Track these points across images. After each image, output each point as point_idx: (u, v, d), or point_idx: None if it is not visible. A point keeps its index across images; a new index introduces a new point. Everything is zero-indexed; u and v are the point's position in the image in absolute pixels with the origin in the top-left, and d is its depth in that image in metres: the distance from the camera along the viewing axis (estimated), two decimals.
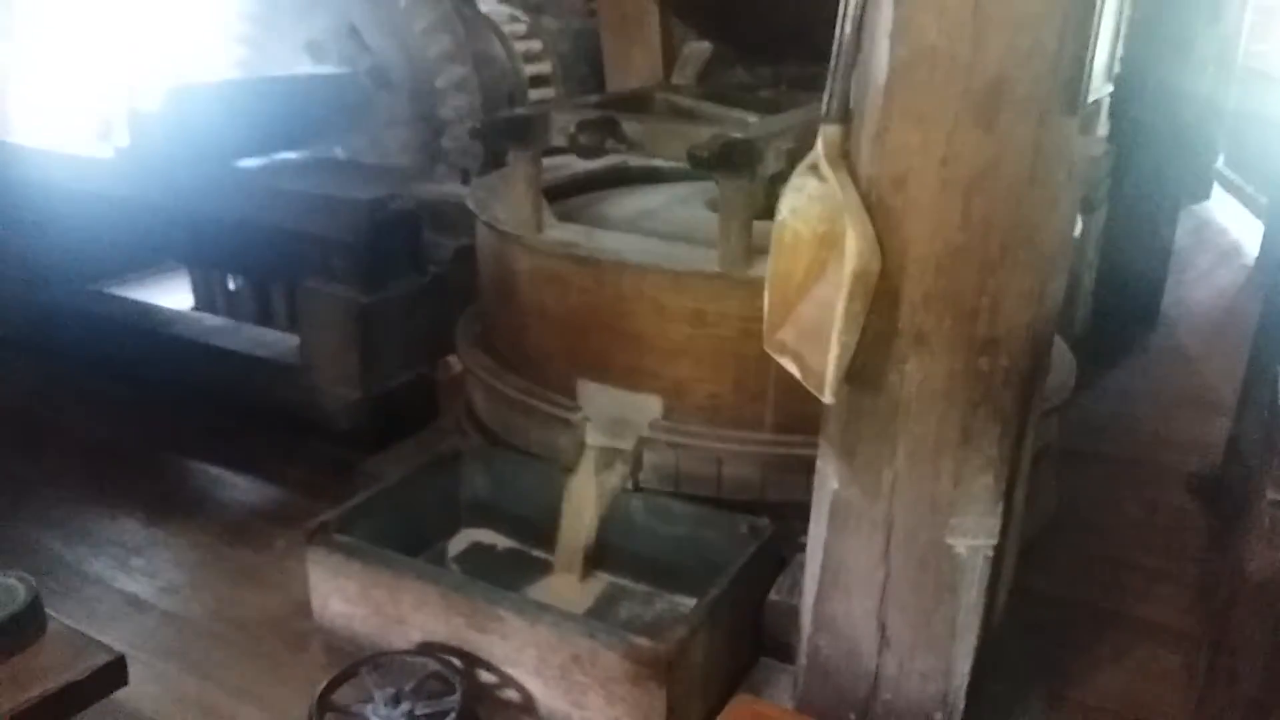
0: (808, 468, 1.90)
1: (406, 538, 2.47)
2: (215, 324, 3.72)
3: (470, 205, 2.81)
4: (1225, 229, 6.35)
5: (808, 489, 1.91)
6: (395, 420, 3.15)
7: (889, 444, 1.70)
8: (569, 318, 2.52)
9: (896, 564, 1.78)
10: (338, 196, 3.22)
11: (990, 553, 1.74)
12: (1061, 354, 2.75)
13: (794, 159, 2.05)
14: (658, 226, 2.75)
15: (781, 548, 2.35)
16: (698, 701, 2.10)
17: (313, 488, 3.05)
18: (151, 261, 4.35)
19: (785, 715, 2.02)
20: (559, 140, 2.55)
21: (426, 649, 2.20)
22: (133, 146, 3.69)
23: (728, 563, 2.22)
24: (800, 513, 1.98)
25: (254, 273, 3.67)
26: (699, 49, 3.37)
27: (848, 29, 1.56)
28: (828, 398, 1.63)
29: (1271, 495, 1.81)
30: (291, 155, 4.10)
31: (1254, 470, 2.19)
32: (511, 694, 2.15)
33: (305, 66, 4.48)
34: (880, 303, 1.60)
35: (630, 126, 2.53)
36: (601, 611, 2.44)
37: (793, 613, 2.09)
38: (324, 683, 2.04)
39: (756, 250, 2.24)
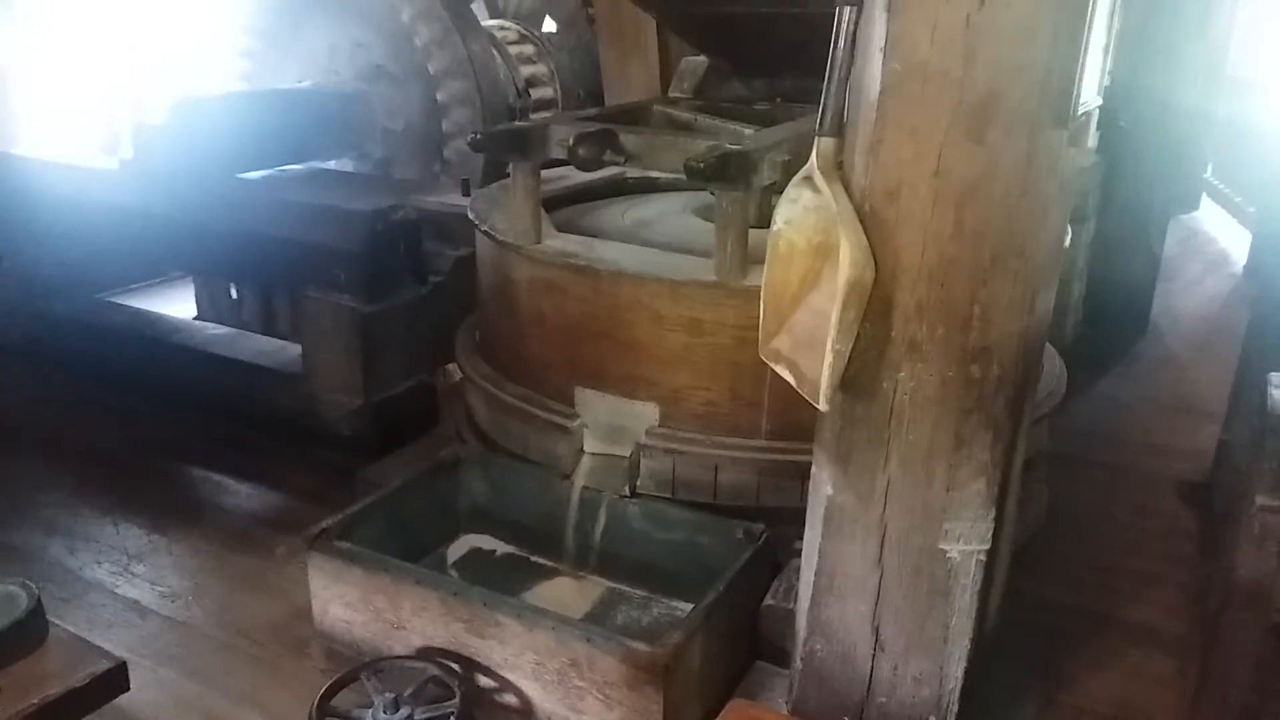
0: (803, 474, 1.93)
1: (406, 544, 2.49)
2: (218, 333, 3.73)
3: (470, 216, 2.84)
4: (1214, 238, 6.41)
5: (803, 495, 1.93)
6: (396, 428, 3.17)
7: (882, 450, 1.73)
8: (567, 326, 2.55)
9: (890, 569, 1.80)
10: (340, 207, 3.26)
11: (983, 557, 1.76)
12: (1052, 361, 2.78)
13: (789, 171, 2.09)
14: (655, 237, 2.77)
15: (777, 553, 2.37)
16: (694, 705, 2.11)
17: (314, 494, 3.07)
18: (155, 271, 4.37)
19: (781, 719, 2.04)
20: (558, 152, 2.58)
21: (426, 654, 2.21)
22: (138, 158, 3.73)
23: (724, 568, 2.24)
24: (795, 518, 2.01)
25: (257, 283, 3.69)
26: (696, 63, 3.40)
27: (842, 44, 1.59)
28: (822, 405, 1.65)
29: (1261, 501, 1.83)
30: (294, 167, 4.14)
31: (1243, 476, 2.22)
32: (510, 698, 2.17)
33: (308, 80, 4.53)
34: (874, 312, 1.63)
35: (628, 139, 2.57)
36: (599, 616, 2.46)
37: (788, 617, 2.11)
38: (324, 688, 2.05)
39: (752, 260, 2.26)
